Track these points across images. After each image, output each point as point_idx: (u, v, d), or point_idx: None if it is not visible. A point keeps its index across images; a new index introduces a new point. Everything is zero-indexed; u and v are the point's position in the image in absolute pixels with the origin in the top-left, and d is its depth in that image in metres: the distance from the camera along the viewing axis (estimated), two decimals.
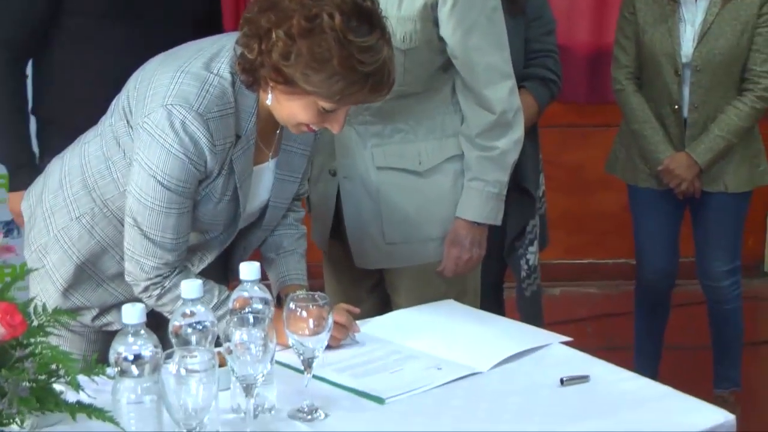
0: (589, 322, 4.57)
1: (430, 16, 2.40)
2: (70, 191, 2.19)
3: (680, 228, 3.58)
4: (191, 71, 2.00)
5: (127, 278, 2.12)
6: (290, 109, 1.98)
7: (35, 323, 1.63)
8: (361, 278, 2.69)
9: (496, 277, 3.43)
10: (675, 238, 3.58)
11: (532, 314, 3.41)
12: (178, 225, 2.05)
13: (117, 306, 2.19)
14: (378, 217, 2.54)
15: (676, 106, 3.40)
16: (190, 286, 1.75)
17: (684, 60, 3.36)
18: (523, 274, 3.40)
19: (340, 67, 1.87)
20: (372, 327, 2.26)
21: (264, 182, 2.19)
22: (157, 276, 2.08)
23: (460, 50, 2.44)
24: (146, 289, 2.10)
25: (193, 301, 1.75)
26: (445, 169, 2.53)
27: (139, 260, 2.07)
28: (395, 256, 2.57)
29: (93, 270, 2.20)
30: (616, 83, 3.50)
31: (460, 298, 2.54)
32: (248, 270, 1.89)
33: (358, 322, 2.23)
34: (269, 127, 2.11)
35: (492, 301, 3.23)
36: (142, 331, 1.62)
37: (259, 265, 1.91)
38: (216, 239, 2.20)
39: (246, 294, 1.88)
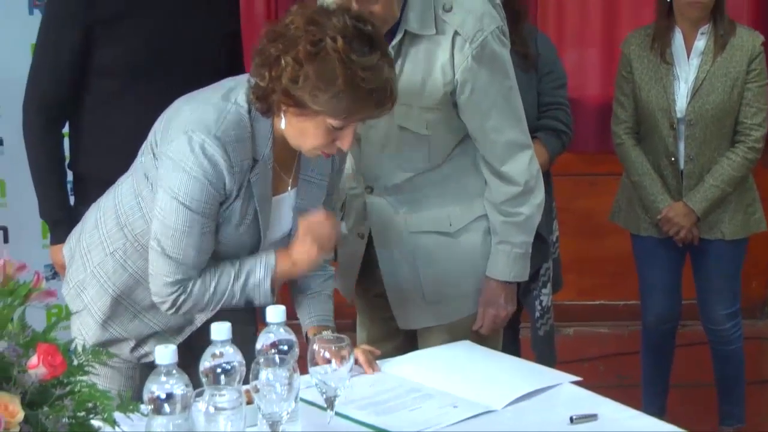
0: (601, 361, 4.52)
1: (449, 101, 2.39)
2: (105, 229, 2.22)
3: (681, 273, 3.55)
4: (211, 102, 2.05)
5: (154, 298, 2.13)
6: (302, 129, 2.01)
7: (75, 362, 1.63)
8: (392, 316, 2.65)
9: (512, 318, 3.40)
10: (677, 284, 3.55)
11: (545, 353, 3.39)
12: (199, 244, 2.06)
13: (153, 336, 2.23)
14: (417, 279, 2.52)
15: (673, 159, 3.40)
16: (219, 328, 1.76)
17: (679, 115, 3.36)
18: (537, 314, 3.38)
19: (344, 86, 1.91)
20: (392, 366, 2.25)
21: (285, 212, 2.19)
22: (178, 289, 2.09)
23: (479, 133, 2.43)
24: (173, 304, 2.10)
25: (222, 342, 1.76)
26: (474, 227, 2.51)
27: (160, 277, 2.08)
28: (436, 314, 2.54)
29: (128, 302, 2.22)
30: (616, 138, 3.50)
31: (484, 337, 2.53)
32: (274, 313, 1.89)
33: (378, 362, 2.23)
34: (286, 154, 2.12)
35: (508, 339, 3.21)
36: (174, 371, 1.62)
37: (285, 308, 1.91)
38: None
39: (272, 336, 1.89)
